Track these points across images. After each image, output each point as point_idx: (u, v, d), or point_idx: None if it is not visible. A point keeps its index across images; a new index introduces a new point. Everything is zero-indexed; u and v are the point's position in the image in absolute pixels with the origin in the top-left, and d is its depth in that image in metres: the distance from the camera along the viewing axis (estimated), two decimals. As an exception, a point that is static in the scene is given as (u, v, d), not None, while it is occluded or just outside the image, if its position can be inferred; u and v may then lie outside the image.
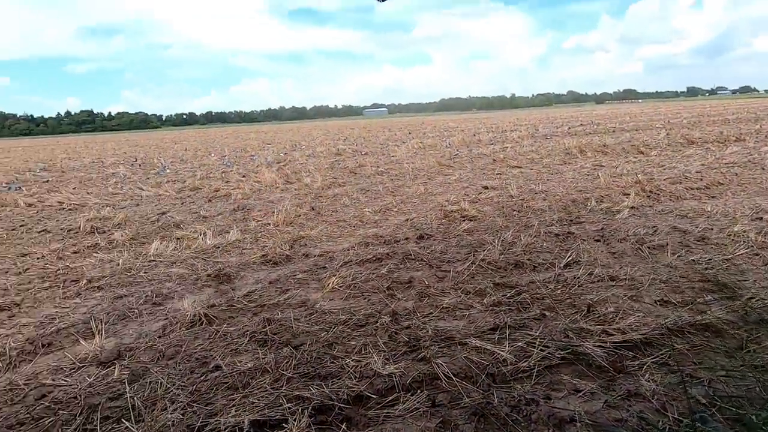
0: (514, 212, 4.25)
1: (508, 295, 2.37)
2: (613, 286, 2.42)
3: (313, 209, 4.84)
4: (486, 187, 5.61)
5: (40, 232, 4.47)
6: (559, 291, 2.39)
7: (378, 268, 2.90)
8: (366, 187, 6.09)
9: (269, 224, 4.24)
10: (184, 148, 18.17)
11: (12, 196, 6.55)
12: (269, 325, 2.17)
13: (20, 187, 7.75)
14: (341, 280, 2.70)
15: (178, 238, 3.90)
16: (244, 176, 7.85)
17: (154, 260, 3.35)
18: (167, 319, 2.34)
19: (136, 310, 2.46)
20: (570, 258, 2.83)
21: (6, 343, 2.10)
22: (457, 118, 52.89)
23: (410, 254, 3.13)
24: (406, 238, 3.57)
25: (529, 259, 2.87)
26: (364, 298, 2.48)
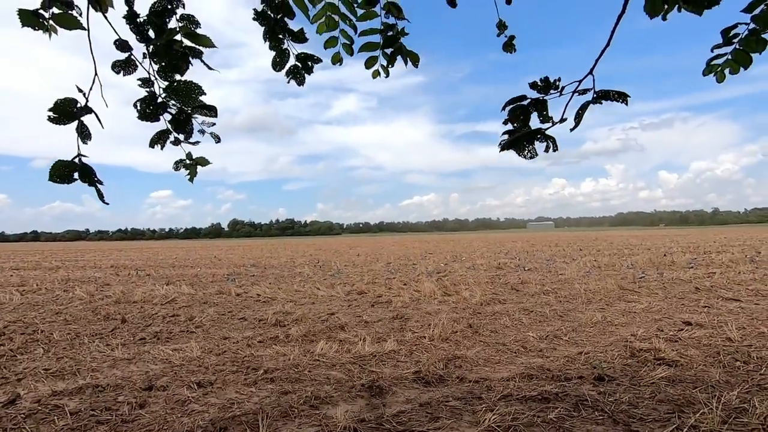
0: (738, 363, 3.22)
1: (744, 491, 1.67)
2: None
3: (470, 326, 4.61)
4: (689, 323, 4.50)
5: (239, 319, 5.36)
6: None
7: (544, 411, 2.46)
8: (529, 308, 5.59)
9: (425, 337, 4.17)
10: (357, 254, 20.34)
11: (228, 287, 8.20)
12: (416, 458, 1.98)
13: (234, 279, 9.68)
14: (499, 417, 2.37)
15: (341, 341, 4.13)
16: (405, 284, 8.18)
17: (318, 360, 3.58)
18: (320, 425, 2.38)
19: (296, 410, 2.58)
20: None
21: (196, 421, 2.42)
22: (640, 234, 46.54)
23: (586, 399, 2.60)
24: (580, 377, 3.01)
25: (773, 440, 2.04)
26: (527, 448, 2.08)
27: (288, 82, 1.95)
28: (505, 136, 1.39)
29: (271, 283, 8.79)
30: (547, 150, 1.38)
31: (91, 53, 1.43)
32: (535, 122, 1.42)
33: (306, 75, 1.99)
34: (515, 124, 1.39)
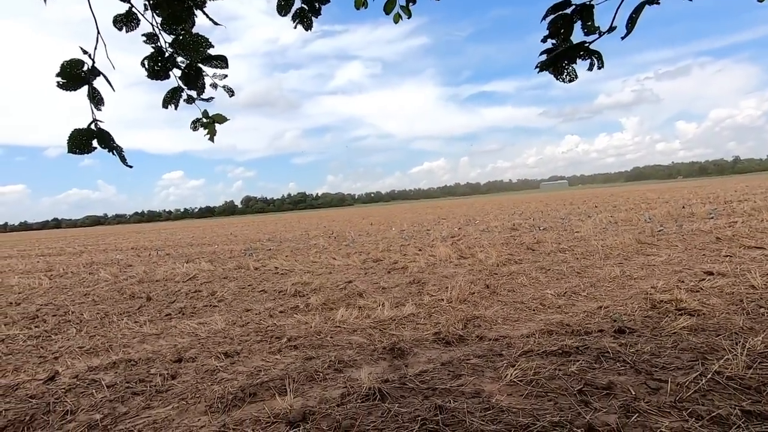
0: (762, 309, 3.18)
1: (771, 432, 1.68)
2: None
3: (487, 287, 4.63)
4: (710, 273, 4.44)
5: (260, 291, 5.47)
6: None
7: (565, 365, 2.48)
8: (546, 266, 5.57)
9: (443, 300, 4.21)
10: (369, 223, 20.43)
11: (247, 261, 8.35)
12: (441, 413, 2.03)
13: (252, 254, 9.84)
14: (521, 372, 2.40)
15: (360, 307, 4.20)
16: (420, 250, 8.21)
17: (339, 326, 3.65)
18: (346, 387, 2.44)
19: (321, 374, 2.66)
20: None
21: (226, 388, 2.51)
22: (657, 188, 45.65)
23: (607, 351, 2.61)
24: (600, 330, 3.02)
25: (800, 382, 2.03)
26: (550, 400, 2.11)
27: (295, 27, 1.87)
28: (543, 56, 1.19)
29: (287, 256, 8.92)
30: (590, 68, 1.18)
31: (90, 6, 1.38)
32: (577, 36, 1.18)
33: (313, 18, 1.90)
34: (555, 40, 1.18)
